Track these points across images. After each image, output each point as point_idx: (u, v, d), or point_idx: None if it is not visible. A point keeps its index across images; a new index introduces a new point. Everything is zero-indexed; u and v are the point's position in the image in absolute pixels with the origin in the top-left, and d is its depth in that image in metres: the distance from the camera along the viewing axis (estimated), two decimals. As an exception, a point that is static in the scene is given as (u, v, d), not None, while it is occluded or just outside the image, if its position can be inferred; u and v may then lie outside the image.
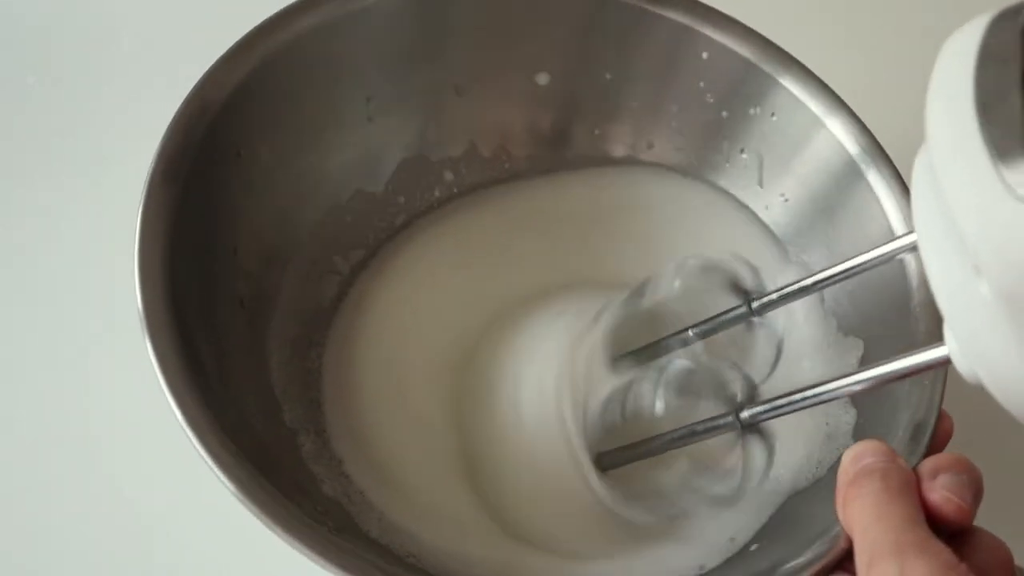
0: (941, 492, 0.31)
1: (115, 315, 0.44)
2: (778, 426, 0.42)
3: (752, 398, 0.37)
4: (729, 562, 0.39)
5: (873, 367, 0.32)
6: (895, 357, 0.31)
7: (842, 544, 0.33)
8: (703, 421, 0.37)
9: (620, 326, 0.42)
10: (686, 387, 0.38)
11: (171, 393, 0.33)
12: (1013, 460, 0.48)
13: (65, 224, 0.53)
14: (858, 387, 0.32)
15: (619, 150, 0.49)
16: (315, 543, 0.31)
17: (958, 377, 0.28)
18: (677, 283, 0.40)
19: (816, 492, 0.40)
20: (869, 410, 0.40)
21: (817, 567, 0.33)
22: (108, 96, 0.58)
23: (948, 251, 0.26)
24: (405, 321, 0.45)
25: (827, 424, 0.42)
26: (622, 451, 0.40)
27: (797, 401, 0.34)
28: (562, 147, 0.49)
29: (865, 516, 0.30)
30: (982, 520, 0.32)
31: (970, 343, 0.26)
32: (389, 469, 0.41)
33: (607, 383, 0.41)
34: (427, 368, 0.44)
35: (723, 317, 0.40)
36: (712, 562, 0.39)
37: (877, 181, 0.41)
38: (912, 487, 0.31)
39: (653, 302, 0.41)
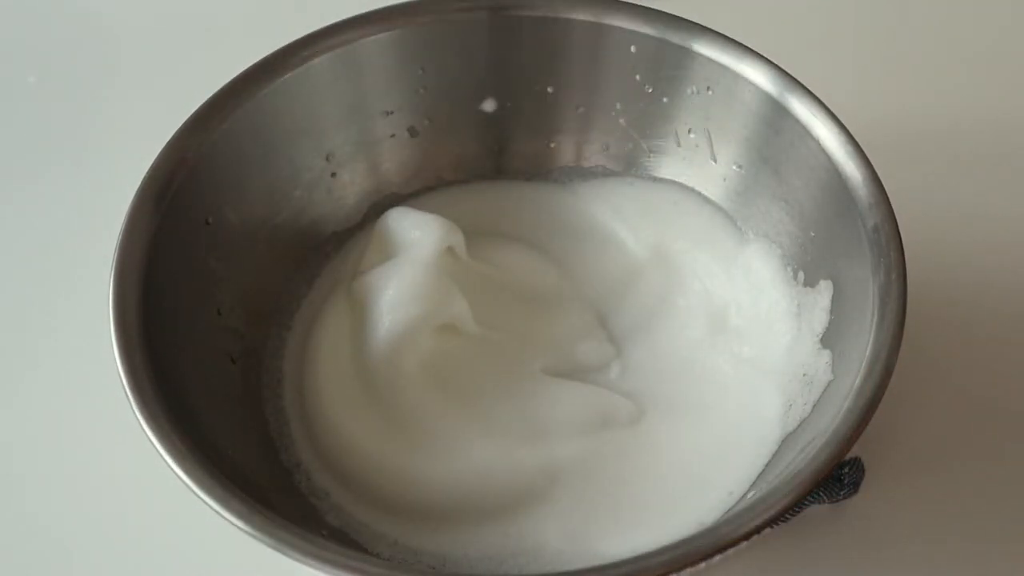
0: None
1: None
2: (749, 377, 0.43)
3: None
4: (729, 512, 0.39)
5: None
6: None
7: None
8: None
9: None
10: None
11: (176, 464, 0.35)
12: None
13: (65, 224, 0.53)
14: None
15: (583, 158, 0.51)
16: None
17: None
18: None
19: (803, 432, 0.40)
20: (841, 346, 0.40)
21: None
22: (108, 96, 0.58)
23: None
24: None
25: (804, 374, 0.42)
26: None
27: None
28: (522, 164, 0.51)
29: None
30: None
31: None
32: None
33: None
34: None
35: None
36: (710, 518, 0.39)
37: (801, 111, 0.42)
38: None
39: None
